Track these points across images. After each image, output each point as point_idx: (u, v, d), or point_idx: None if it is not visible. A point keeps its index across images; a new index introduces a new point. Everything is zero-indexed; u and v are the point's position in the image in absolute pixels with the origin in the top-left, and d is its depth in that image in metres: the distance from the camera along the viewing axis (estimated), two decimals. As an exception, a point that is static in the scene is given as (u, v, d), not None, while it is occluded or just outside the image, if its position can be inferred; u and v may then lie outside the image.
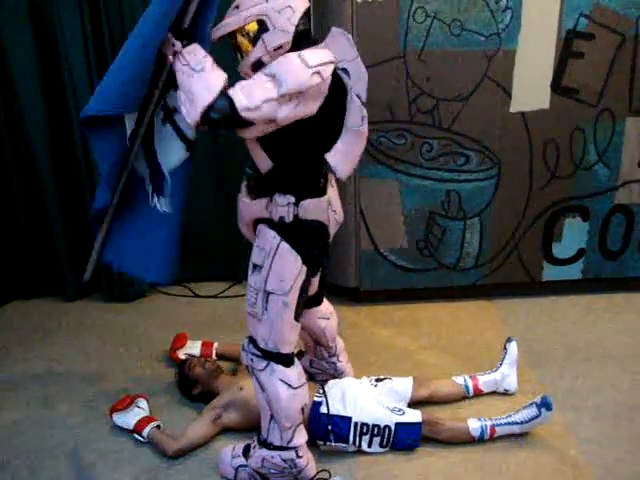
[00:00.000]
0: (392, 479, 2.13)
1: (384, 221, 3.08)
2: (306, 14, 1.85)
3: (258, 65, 1.82)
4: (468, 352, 2.83)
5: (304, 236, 1.95)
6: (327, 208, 1.99)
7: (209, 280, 3.55)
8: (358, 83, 1.85)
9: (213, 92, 1.72)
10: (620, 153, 3.00)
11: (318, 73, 1.75)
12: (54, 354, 2.95)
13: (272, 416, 2.01)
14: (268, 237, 1.92)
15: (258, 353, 2.00)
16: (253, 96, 1.72)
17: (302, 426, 2.08)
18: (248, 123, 1.75)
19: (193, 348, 2.80)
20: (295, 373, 2.02)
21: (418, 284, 3.22)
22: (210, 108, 1.72)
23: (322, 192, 1.98)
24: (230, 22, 1.83)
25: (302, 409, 2.04)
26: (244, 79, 1.82)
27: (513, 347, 2.50)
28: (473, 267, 3.21)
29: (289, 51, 1.80)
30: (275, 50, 1.80)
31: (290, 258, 1.92)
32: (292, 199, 1.92)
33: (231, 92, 1.73)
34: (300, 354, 2.63)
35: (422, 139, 2.94)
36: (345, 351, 2.59)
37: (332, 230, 2.06)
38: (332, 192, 2.04)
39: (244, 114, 1.72)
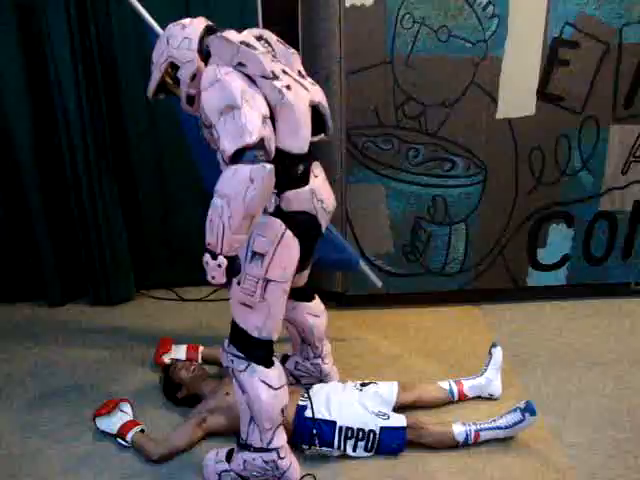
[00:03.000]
0: (377, 484, 2.13)
1: (370, 226, 3.09)
2: (209, 30, 1.97)
3: (190, 100, 1.97)
4: (453, 357, 2.84)
5: (296, 227, 1.95)
6: (311, 198, 2.00)
7: (194, 284, 3.53)
8: (254, 65, 1.84)
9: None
10: (604, 160, 3.03)
11: (227, 73, 1.81)
12: (38, 358, 2.92)
13: (252, 418, 2.01)
14: (274, 225, 1.92)
15: (239, 354, 1.99)
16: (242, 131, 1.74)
17: (282, 428, 2.07)
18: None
19: (178, 353, 2.79)
20: (276, 374, 2.02)
21: (404, 289, 3.23)
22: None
23: (303, 182, 1.98)
24: (152, 78, 2.03)
25: (282, 411, 2.04)
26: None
27: (498, 352, 2.52)
28: (458, 272, 3.22)
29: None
30: (192, 80, 1.93)
31: (294, 246, 1.95)
32: (273, 193, 1.91)
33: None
34: (285, 358, 2.63)
35: (409, 144, 2.94)
36: (330, 354, 2.59)
37: (322, 219, 2.06)
38: (317, 181, 2.04)
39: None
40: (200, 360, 2.77)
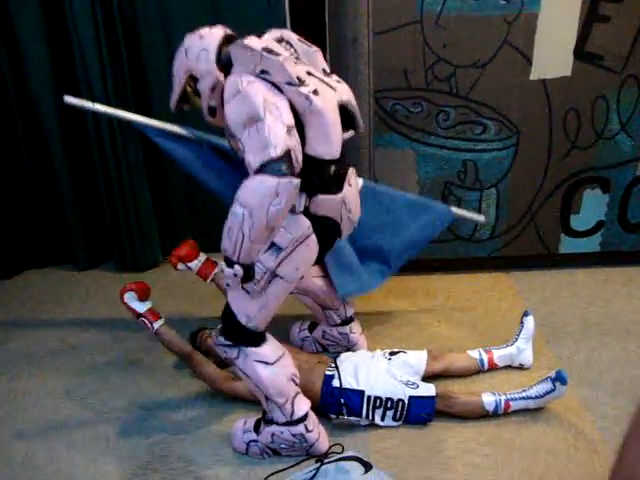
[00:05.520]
0: (405, 453, 2.12)
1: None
2: (227, 39, 1.94)
3: (212, 110, 1.97)
4: (483, 325, 2.80)
5: (320, 232, 1.94)
6: (341, 207, 1.97)
7: (220, 250, 3.51)
8: (279, 72, 1.78)
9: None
10: (644, 122, 2.91)
11: (249, 83, 1.77)
12: (66, 324, 2.96)
13: (266, 397, 2.01)
14: (302, 225, 1.90)
15: (228, 343, 1.99)
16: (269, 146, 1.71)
17: (300, 395, 2.07)
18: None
19: (194, 263, 2.59)
20: (269, 349, 2.01)
21: (433, 255, 3.17)
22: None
23: (336, 189, 1.95)
24: (174, 90, 2.04)
25: (292, 380, 2.03)
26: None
27: (530, 321, 2.47)
28: (489, 238, 3.15)
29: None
30: (212, 91, 1.93)
31: (313, 249, 1.95)
32: (304, 194, 1.89)
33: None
34: (313, 326, 2.61)
35: (439, 107, 2.86)
36: (358, 322, 2.57)
37: (345, 230, 2.05)
38: (349, 191, 2.00)
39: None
40: (210, 280, 2.62)
